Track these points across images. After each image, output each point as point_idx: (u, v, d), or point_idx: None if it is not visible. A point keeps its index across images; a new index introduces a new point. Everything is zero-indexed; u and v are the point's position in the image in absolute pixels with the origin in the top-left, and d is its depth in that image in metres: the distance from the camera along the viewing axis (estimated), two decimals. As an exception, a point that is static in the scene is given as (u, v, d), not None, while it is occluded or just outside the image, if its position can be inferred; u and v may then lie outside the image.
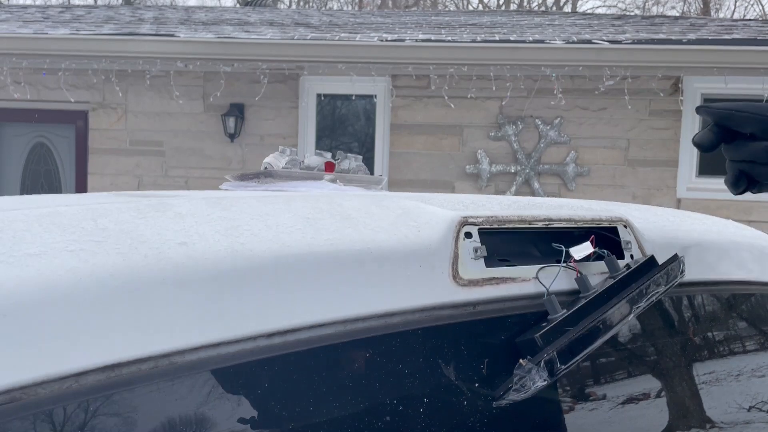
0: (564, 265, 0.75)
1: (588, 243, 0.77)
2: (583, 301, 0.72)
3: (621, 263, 0.80)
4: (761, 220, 5.21)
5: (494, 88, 5.53)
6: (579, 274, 0.76)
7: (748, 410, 0.89)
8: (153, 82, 5.88)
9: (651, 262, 0.80)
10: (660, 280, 0.78)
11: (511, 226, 0.75)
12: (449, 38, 5.59)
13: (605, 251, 0.79)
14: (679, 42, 5.38)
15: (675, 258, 0.81)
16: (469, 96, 5.64)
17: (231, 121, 5.84)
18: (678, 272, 0.81)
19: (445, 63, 5.42)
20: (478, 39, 5.55)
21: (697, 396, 0.86)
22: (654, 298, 0.77)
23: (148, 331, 0.50)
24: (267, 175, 1.32)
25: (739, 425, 0.87)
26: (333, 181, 1.28)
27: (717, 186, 5.50)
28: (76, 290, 0.47)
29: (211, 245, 0.56)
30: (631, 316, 0.75)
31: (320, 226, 0.63)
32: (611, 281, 0.76)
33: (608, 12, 15.60)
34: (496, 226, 0.73)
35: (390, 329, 0.62)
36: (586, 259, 0.76)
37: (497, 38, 5.61)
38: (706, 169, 5.60)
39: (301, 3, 18.96)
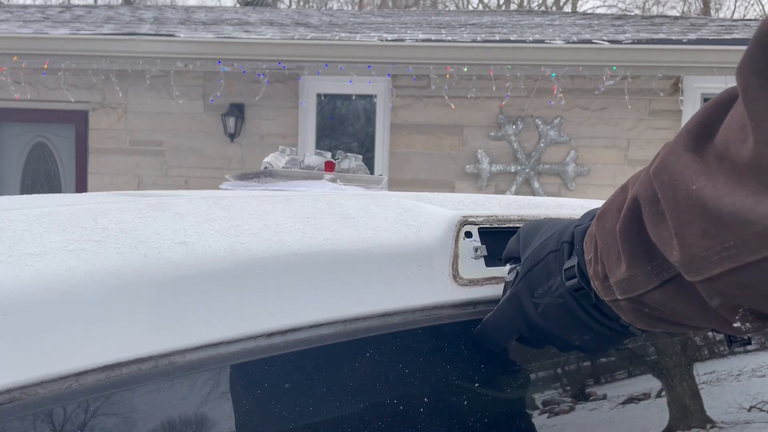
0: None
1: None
2: None
3: None
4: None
5: (494, 87, 5.53)
6: None
7: (749, 410, 0.89)
8: (153, 82, 5.88)
9: None
10: None
11: (511, 225, 0.75)
12: (449, 38, 5.59)
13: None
14: (679, 42, 5.37)
15: None
16: (469, 96, 5.64)
17: (231, 121, 5.84)
18: None
19: (445, 63, 5.42)
20: (478, 39, 5.55)
21: (698, 396, 0.86)
22: None
23: (148, 330, 0.49)
24: (267, 174, 1.32)
25: (739, 425, 0.87)
26: (333, 180, 1.28)
27: (717, 186, 5.49)
28: (76, 290, 0.47)
29: (211, 244, 0.56)
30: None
31: (320, 225, 0.63)
32: None
33: (608, 12, 15.60)
34: (497, 226, 0.73)
35: (390, 329, 0.62)
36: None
37: (497, 38, 5.62)
38: (706, 168, 5.60)
39: (301, 3, 18.96)
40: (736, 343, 0.62)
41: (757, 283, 0.37)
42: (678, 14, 16.89)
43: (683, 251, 0.40)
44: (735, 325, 0.42)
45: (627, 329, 0.58)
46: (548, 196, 5.25)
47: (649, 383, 0.83)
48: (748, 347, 0.97)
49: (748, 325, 0.42)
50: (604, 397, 0.78)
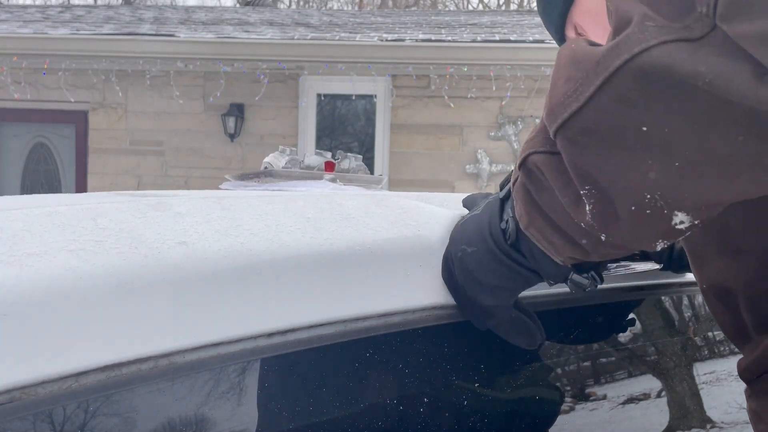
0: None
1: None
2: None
3: None
4: None
5: (494, 87, 5.54)
6: None
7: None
8: (153, 82, 5.88)
9: None
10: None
11: (511, 225, 0.75)
12: (449, 38, 5.59)
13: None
14: (679, 42, 5.37)
15: None
16: (469, 96, 5.64)
17: (231, 121, 5.84)
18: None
19: (445, 63, 5.42)
20: (479, 39, 5.55)
21: (698, 396, 0.86)
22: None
23: (148, 330, 0.49)
24: (267, 174, 1.33)
25: (739, 425, 0.87)
26: (333, 180, 1.28)
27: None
28: (75, 290, 0.47)
29: (211, 245, 0.56)
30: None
31: (320, 225, 0.63)
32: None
33: (608, 12, 15.57)
34: (497, 226, 0.73)
35: (390, 329, 0.62)
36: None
37: (497, 38, 5.62)
38: (706, 168, 5.60)
39: (301, 3, 18.96)
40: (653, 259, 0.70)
41: (596, 126, 0.44)
42: (678, 14, 16.86)
43: (549, 103, 0.48)
44: (582, 193, 0.47)
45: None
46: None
47: (649, 383, 0.84)
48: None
49: (592, 201, 0.47)
50: (604, 397, 0.78)
